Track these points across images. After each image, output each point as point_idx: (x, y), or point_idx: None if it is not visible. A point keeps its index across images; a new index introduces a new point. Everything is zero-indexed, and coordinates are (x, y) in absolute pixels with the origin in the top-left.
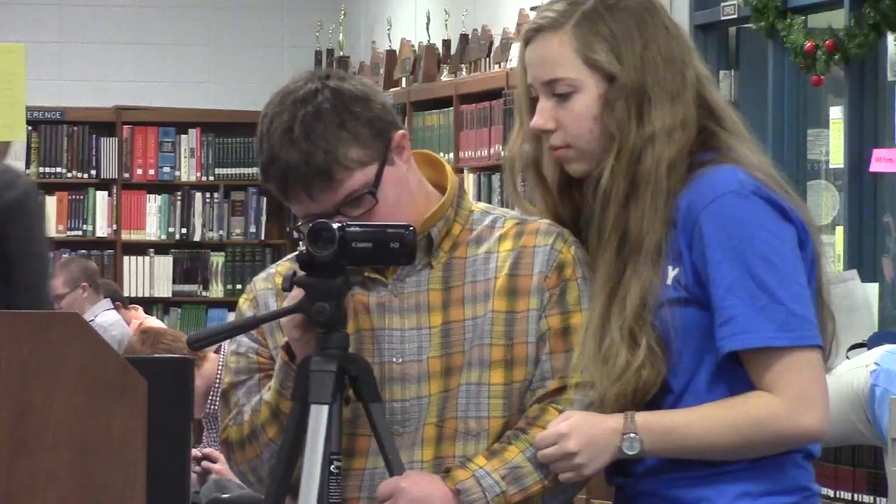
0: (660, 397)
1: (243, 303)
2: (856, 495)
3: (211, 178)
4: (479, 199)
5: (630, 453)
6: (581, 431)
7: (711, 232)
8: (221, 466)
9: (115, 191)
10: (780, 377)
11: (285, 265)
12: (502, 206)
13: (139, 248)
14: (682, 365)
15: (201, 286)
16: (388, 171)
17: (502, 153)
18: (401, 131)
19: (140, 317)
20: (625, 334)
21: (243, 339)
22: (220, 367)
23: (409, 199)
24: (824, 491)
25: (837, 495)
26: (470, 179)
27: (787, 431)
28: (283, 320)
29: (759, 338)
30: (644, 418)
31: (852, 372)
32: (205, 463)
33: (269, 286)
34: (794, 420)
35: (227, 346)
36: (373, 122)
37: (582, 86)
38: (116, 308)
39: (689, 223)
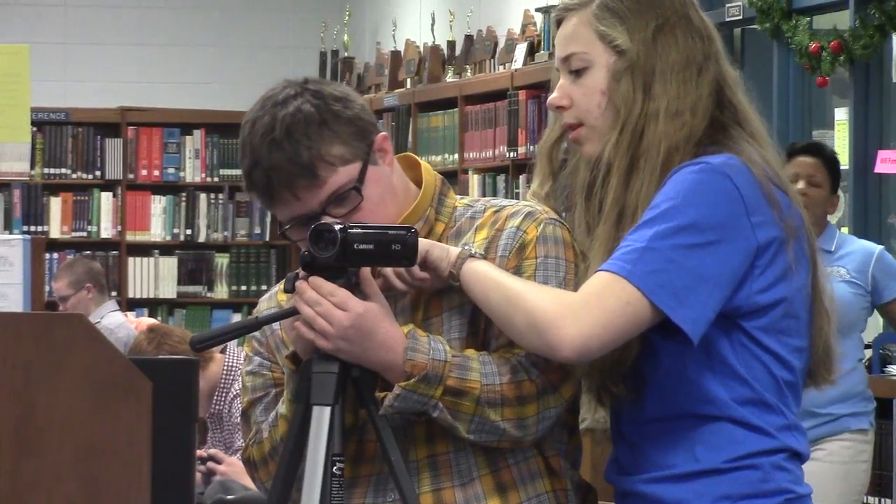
0: (637, 371)
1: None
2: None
3: (216, 178)
4: None
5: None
6: (438, 245)
7: (667, 187)
8: (226, 467)
9: (119, 192)
10: (588, 286)
11: None
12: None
13: (144, 249)
14: (652, 347)
15: (206, 287)
16: (372, 170)
17: (507, 154)
18: (382, 133)
19: (131, 321)
20: None
21: (255, 358)
22: (224, 368)
23: (394, 202)
24: None
25: None
26: (475, 180)
27: (539, 321)
28: (284, 322)
29: (618, 266)
30: (489, 265)
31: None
32: (209, 463)
33: (272, 306)
34: (555, 319)
35: (239, 360)
36: (354, 121)
37: (594, 61)
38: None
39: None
